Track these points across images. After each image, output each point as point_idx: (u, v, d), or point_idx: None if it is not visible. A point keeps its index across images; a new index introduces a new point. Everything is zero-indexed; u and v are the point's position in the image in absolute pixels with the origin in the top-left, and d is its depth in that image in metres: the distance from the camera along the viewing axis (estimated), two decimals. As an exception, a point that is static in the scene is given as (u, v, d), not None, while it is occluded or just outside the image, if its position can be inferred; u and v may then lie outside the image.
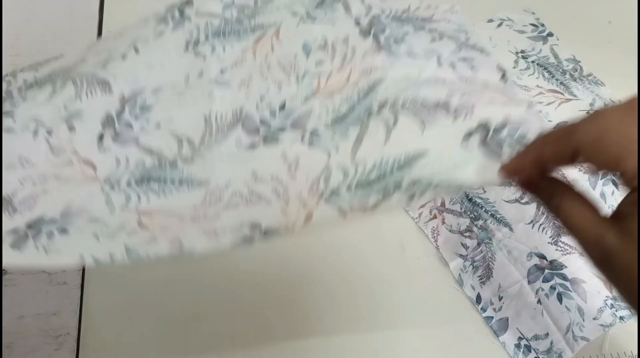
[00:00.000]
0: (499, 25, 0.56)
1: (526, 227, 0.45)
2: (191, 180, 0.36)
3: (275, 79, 0.38)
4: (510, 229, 0.45)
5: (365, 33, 0.39)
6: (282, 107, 0.37)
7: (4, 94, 0.42)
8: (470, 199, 0.46)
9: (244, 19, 0.42)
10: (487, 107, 0.33)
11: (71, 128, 0.39)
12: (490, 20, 0.56)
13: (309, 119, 0.36)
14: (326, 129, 0.36)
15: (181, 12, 0.43)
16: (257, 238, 0.33)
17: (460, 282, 0.43)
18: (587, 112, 0.50)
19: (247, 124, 0.37)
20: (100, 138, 0.38)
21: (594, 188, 0.47)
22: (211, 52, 0.40)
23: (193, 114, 0.38)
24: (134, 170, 0.37)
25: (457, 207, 0.46)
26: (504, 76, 0.37)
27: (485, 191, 0.46)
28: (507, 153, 0.30)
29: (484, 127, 0.32)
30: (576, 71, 0.53)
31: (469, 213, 0.46)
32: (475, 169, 0.31)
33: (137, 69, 0.40)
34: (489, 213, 0.46)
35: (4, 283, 0.42)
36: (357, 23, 0.40)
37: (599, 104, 0.51)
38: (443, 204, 0.46)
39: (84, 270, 0.43)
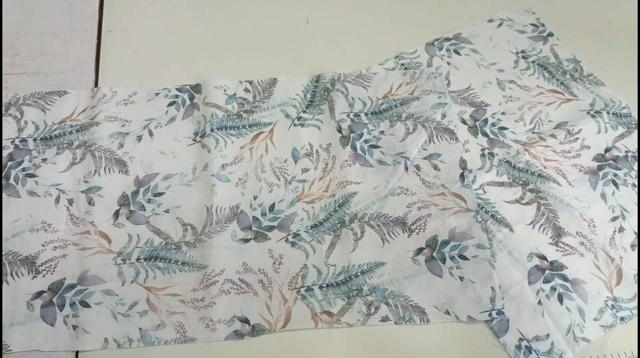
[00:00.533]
0: (499, 25, 0.56)
1: (527, 228, 0.45)
2: (192, 263, 0.44)
3: (268, 181, 0.47)
4: (511, 229, 0.45)
5: (345, 141, 0.49)
6: (272, 208, 0.46)
7: (17, 142, 0.48)
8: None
9: (243, 114, 0.50)
10: (438, 221, 0.44)
11: (90, 202, 0.46)
12: (491, 20, 0.56)
13: (293, 222, 0.46)
14: (306, 233, 0.45)
15: (191, 98, 0.51)
16: (246, 333, 0.41)
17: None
18: (587, 113, 0.50)
19: (242, 220, 0.46)
20: (116, 214, 0.45)
21: (594, 189, 0.47)
22: (215, 145, 0.49)
23: (197, 204, 0.46)
24: (144, 247, 0.44)
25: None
26: (462, 175, 0.47)
27: (485, 192, 0.46)
28: (448, 266, 0.42)
29: (432, 241, 0.44)
30: (576, 71, 0.53)
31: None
32: (421, 281, 0.42)
33: (151, 154, 0.48)
34: (489, 214, 0.45)
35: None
36: (339, 130, 0.49)
37: (599, 105, 0.51)
38: (443, 205, 0.46)
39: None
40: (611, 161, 0.48)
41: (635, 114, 0.50)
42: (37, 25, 0.56)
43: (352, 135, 0.49)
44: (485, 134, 0.49)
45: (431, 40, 0.55)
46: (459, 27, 0.56)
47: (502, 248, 0.44)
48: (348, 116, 0.50)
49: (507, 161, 0.48)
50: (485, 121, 0.50)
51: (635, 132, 0.50)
